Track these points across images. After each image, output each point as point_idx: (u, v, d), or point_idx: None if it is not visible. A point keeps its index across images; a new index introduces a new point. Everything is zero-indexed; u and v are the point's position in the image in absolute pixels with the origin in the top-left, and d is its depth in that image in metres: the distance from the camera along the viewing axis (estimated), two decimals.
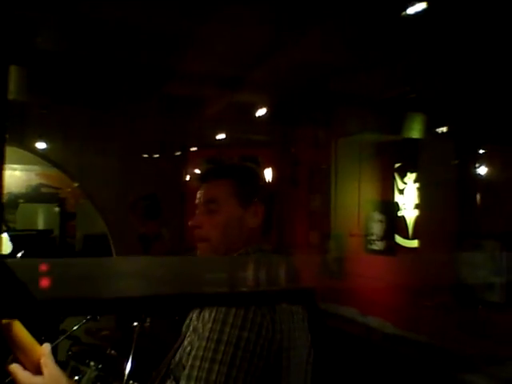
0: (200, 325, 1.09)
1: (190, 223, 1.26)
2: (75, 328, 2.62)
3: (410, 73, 3.34)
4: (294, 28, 3.27)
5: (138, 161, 4.35)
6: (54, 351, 3.10)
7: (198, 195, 1.28)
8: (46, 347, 1.04)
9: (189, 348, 1.11)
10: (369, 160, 3.75)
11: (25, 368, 1.00)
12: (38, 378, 1.00)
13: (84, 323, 2.62)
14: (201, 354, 1.04)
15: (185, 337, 1.18)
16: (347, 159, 3.81)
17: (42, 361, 1.01)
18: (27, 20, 2.76)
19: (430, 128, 3.20)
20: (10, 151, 5.40)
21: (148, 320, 2.41)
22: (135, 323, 2.36)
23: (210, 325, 1.06)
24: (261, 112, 3.93)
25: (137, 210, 4.13)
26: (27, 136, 3.71)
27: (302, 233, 4.14)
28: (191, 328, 1.15)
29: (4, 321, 0.97)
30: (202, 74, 3.92)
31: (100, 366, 2.63)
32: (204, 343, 1.05)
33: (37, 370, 1.00)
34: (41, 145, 3.82)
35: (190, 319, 1.20)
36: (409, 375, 2.96)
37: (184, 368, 1.08)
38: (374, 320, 3.62)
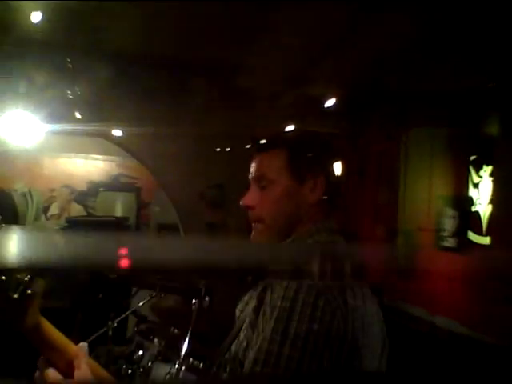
0: (260, 320, 0.99)
1: (241, 203, 1.14)
2: (140, 304, 2.74)
3: (488, 61, 3.16)
4: (364, 17, 3.21)
5: (209, 152, 4.46)
6: (123, 328, 3.23)
7: (251, 170, 1.16)
8: (82, 348, 0.95)
9: (245, 343, 1.03)
10: (441, 152, 3.59)
11: (57, 368, 0.91)
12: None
13: (149, 300, 2.73)
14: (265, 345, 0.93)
15: (240, 328, 1.10)
16: (418, 151, 3.68)
17: (76, 363, 0.92)
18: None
19: (508, 119, 3.01)
20: (93, 143, 5.74)
21: (207, 298, 2.47)
22: (194, 300, 2.42)
23: (275, 313, 0.94)
24: (329, 103, 3.89)
25: (204, 198, 4.25)
26: (104, 123, 3.91)
27: (368, 226, 4.05)
28: (247, 321, 1.06)
29: (32, 323, 0.88)
30: (271, 65, 3.94)
31: (163, 343, 2.73)
32: (270, 332, 0.93)
33: (69, 371, 0.91)
34: (117, 132, 4.01)
35: (246, 303, 1.14)
36: (475, 374, 2.81)
37: (241, 364, 1.00)
38: (442, 320, 3.47)
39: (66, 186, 6.00)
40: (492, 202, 3.22)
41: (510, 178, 2.89)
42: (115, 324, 2.55)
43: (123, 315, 2.66)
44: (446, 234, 3.63)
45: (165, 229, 5.80)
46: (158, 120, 4.23)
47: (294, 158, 1.10)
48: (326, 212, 1.11)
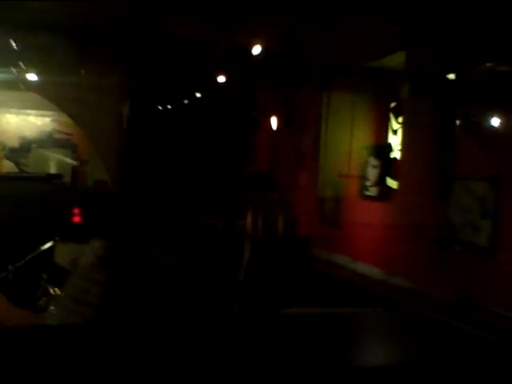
0: None
1: None
2: (42, 248, 2.67)
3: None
4: None
5: None
6: (31, 275, 3.14)
7: None
8: None
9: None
10: (364, 99, 3.58)
11: None
12: None
13: (51, 245, 2.67)
14: None
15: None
16: (341, 98, 3.65)
17: None
18: None
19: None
20: (25, 96, 5.48)
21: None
22: None
23: None
24: (257, 50, 3.78)
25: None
26: (19, 66, 3.68)
27: (292, 173, 4.05)
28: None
29: None
30: (201, 14, 3.80)
31: None
32: None
33: None
34: (32, 76, 3.73)
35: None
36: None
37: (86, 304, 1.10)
38: (362, 265, 3.53)
39: None
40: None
41: (415, 123, 2.91)
42: (14, 269, 2.48)
43: (23, 260, 2.58)
44: (368, 183, 3.66)
45: (100, 184, 5.65)
46: (82, 69, 4.06)
47: None
48: None
